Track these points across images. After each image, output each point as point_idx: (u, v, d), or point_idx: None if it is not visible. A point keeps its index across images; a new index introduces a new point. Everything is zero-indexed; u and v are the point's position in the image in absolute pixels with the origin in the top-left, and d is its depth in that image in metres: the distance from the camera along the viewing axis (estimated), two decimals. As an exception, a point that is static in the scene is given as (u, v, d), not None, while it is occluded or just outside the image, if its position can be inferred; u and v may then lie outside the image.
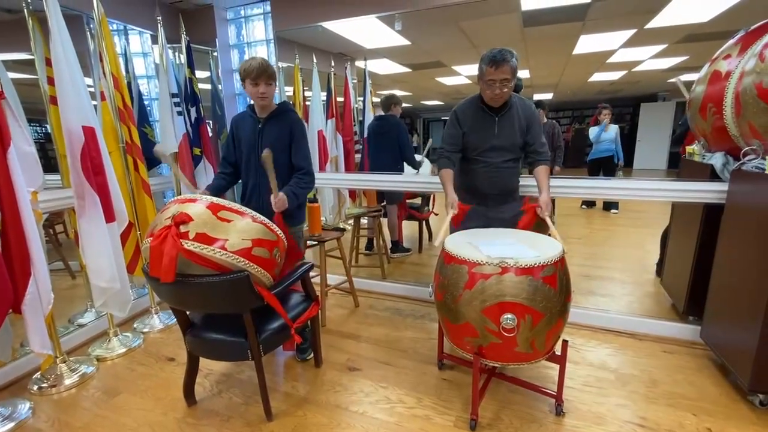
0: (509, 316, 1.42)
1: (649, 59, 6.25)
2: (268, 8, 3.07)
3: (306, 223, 2.23)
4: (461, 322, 1.54)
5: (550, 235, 1.76)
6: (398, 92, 8.99)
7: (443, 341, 1.95)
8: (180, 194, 2.53)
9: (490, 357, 1.54)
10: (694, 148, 2.40)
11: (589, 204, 5.91)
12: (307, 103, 4.12)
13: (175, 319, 1.78)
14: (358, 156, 4.50)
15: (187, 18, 2.95)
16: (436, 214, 3.99)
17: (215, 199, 1.49)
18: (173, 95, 2.63)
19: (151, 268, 1.42)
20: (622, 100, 12.22)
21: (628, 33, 4.50)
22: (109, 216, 2.05)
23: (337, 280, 2.76)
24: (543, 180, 1.87)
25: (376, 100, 5.87)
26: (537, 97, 11.16)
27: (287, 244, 1.69)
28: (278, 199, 1.77)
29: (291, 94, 3.98)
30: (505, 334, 1.44)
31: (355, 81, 4.82)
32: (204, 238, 1.41)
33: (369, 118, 4.35)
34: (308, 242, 2.42)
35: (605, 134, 5.19)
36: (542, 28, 4.05)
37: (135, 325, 2.54)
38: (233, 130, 2.01)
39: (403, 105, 4.41)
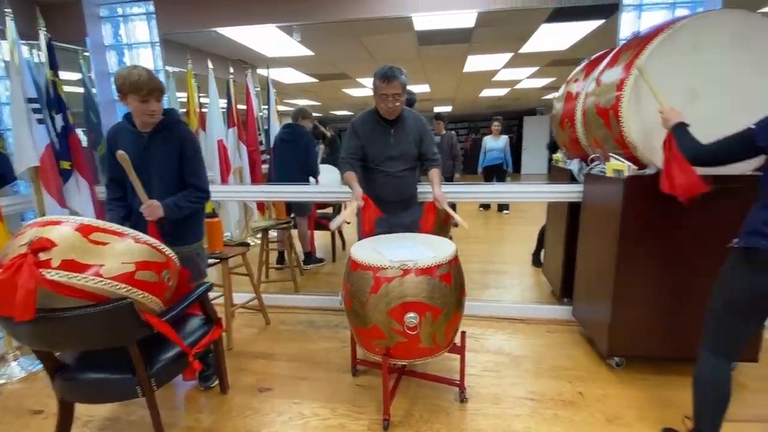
0: (412, 314, 1.51)
1: (526, 79, 7.23)
2: (151, 8, 2.81)
3: (205, 240, 2.08)
4: (369, 326, 1.59)
5: (454, 221, 1.92)
6: (306, 102, 8.94)
7: (356, 348, 1.98)
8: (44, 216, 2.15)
9: (398, 356, 1.61)
10: (558, 156, 2.84)
11: (485, 207, 6.55)
12: (204, 110, 3.86)
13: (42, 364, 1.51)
14: (265, 167, 4.34)
15: (48, 12, 2.55)
16: (348, 223, 4.03)
17: (86, 220, 1.31)
18: (31, 100, 2.24)
19: (2, 305, 1.19)
20: (510, 113, 13.86)
21: (507, 56, 5.14)
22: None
23: (245, 298, 2.61)
24: (435, 178, 2.04)
25: (282, 108, 5.74)
26: (437, 109, 12.01)
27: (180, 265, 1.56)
28: (147, 205, 1.58)
29: (184, 100, 3.70)
30: (409, 332, 1.52)
31: (258, 89, 4.67)
32: (73, 265, 1.23)
33: (275, 127, 4.24)
34: (209, 260, 2.25)
35: (494, 143, 5.80)
36: (435, 47, 4.41)
37: (-15, 378, 2.08)
38: (111, 144, 1.76)
39: (315, 115, 4.37)
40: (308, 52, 4.36)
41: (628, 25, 2.40)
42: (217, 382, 1.93)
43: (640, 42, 1.83)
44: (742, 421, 1.65)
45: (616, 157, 1.94)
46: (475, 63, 5.49)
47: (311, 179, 3.46)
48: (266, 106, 4.60)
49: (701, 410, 1.37)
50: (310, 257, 3.64)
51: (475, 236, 5.08)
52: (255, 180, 4.07)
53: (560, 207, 2.65)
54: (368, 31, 3.78)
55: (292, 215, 3.48)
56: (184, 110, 3.70)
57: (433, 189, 2.00)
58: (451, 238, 3.64)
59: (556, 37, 4.11)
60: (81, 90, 3.03)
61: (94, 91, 3.00)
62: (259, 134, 4.37)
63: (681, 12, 2.38)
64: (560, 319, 2.57)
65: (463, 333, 1.78)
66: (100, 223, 1.34)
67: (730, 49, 1.71)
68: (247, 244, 2.47)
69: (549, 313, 2.62)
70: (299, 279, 3.30)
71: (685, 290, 1.83)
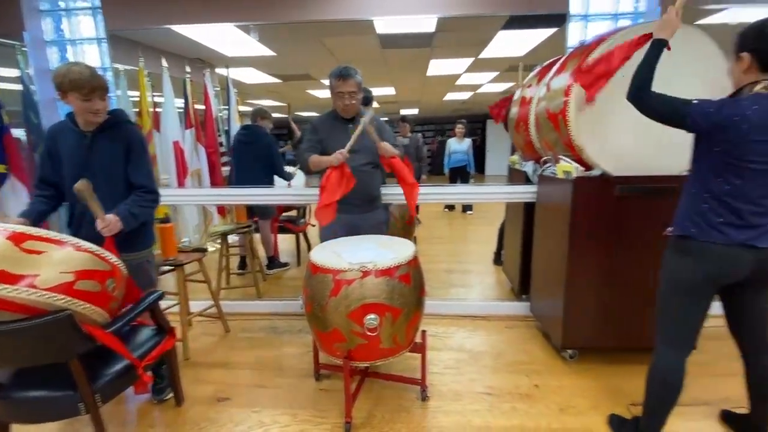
0: (372, 316, 1.52)
1: (488, 83, 7.47)
2: (98, 2, 2.66)
3: (157, 247, 1.99)
4: (330, 329, 1.58)
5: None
6: (272, 102, 8.76)
7: (319, 352, 1.96)
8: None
9: (359, 358, 1.61)
10: (515, 159, 2.95)
11: (450, 207, 6.68)
12: (158, 110, 3.69)
13: (-32, 384, 1.38)
14: (226, 169, 4.21)
15: (-23, 3, 2.36)
16: (313, 225, 3.99)
17: (18, 228, 1.22)
18: (-43, 97, 2.06)
19: None
20: (474, 116, 14.23)
21: (468, 60, 5.29)
22: None
23: (204, 306, 2.52)
24: (385, 144, 2.04)
25: (244, 109, 5.60)
26: (404, 111, 12.14)
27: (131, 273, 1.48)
28: (106, 222, 1.49)
29: (137, 99, 3.52)
30: (369, 333, 1.53)
31: (218, 89, 4.53)
32: (3, 277, 1.14)
33: (236, 128, 4.12)
34: (163, 268, 2.16)
35: (458, 146, 5.93)
36: (398, 51, 4.47)
37: None
38: (50, 144, 1.65)
39: (280, 115, 4.30)
40: (270, 53, 4.28)
41: (576, 34, 2.54)
42: (171, 394, 1.85)
43: (584, 50, 1.94)
44: (684, 405, 1.76)
45: (566, 159, 2.04)
46: (437, 67, 5.61)
47: (279, 181, 3.41)
48: (226, 107, 4.48)
49: (652, 400, 1.45)
50: (273, 262, 3.57)
51: (439, 237, 5.17)
52: (215, 183, 3.94)
53: (517, 207, 2.76)
54: (330, 33, 3.77)
55: (255, 219, 3.40)
56: (136, 110, 3.53)
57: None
58: (415, 239, 3.70)
59: (513, 43, 4.27)
60: (19, 87, 2.82)
61: (33, 88, 2.80)
62: (220, 135, 4.23)
63: (623, 23, 2.55)
64: (519, 315, 2.66)
65: (424, 332, 1.81)
66: (35, 231, 1.25)
67: (668, 56, 1.84)
68: (204, 250, 2.38)
69: (508, 309, 2.71)
70: (262, 284, 3.22)
71: (630, 283, 1.95)
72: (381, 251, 1.67)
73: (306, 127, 2.17)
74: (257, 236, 3.46)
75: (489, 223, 5.60)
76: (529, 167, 2.57)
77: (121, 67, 3.43)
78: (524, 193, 2.52)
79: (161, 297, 1.63)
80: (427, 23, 3.35)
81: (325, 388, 1.93)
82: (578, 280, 1.98)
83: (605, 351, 2.13)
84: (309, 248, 4.14)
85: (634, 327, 1.96)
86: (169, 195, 2.99)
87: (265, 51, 4.23)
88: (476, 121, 14.77)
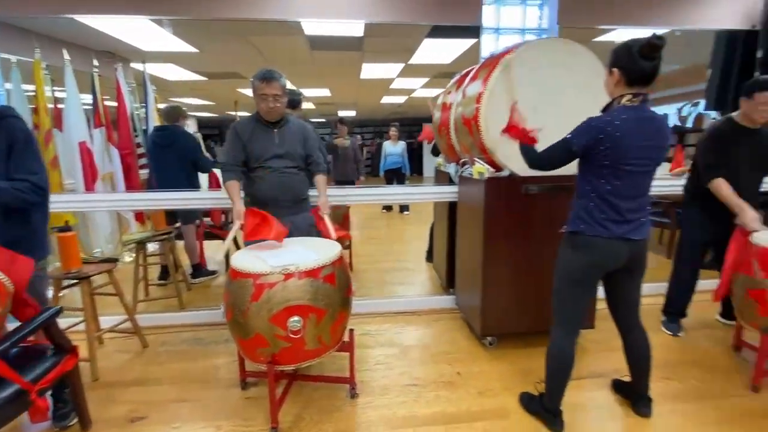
0: (295, 318, 1.52)
1: (420, 88, 7.76)
2: (-24, -17, 2.34)
3: (56, 258, 1.80)
4: (252, 335, 1.55)
5: (327, 229, 1.97)
6: (198, 101, 8.27)
7: (243, 360, 1.91)
8: None
9: (284, 362, 1.60)
10: (439, 161, 3.11)
11: (388, 208, 6.82)
12: (60, 106, 3.32)
13: None
14: (144, 171, 3.90)
15: None
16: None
17: None
18: None
19: None
20: (411, 119, 14.66)
21: (400, 66, 5.46)
22: None
23: (117, 321, 2.32)
24: (320, 186, 2.10)
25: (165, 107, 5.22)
26: (341, 113, 12.14)
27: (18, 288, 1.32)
28: None
29: (33, 94, 3.14)
30: (293, 336, 1.52)
31: (134, 85, 4.18)
32: None
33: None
34: (65, 281, 1.96)
35: (393, 148, 6.09)
36: (329, 53, 4.48)
37: None
38: None
39: (209, 114, 4.07)
40: (191, 49, 4.06)
41: (489, 46, 2.75)
42: (76, 419, 1.68)
43: (492, 62, 2.11)
44: (582, 378, 2.01)
45: (480, 161, 2.20)
46: (371, 71, 5.71)
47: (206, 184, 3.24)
48: (143, 104, 4.15)
49: (550, 377, 1.62)
50: (199, 270, 3.38)
51: (376, 237, 5.27)
52: (131, 187, 3.63)
53: (443, 206, 2.91)
54: (256, 32, 3.68)
55: (177, 225, 3.20)
56: (33, 106, 3.15)
57: (319, 198, 2.06)
58: (350, 241, 3.74)
59: (439, 51, 4.50)
60: None
61: None
62: (136, 135, 3.91)
63: (529, 37, 2.81)
64: (446, 308, 2.81)
65: (351, 331, 1.84)
66: None
67: (559, 70, 2.07)
68: (114, 260, 2.19)
69: (437, 303, 2.85)
70: (186, 295, 3.04)
71: (539, 273, 2.15)
72: (305, 253, 1.68)
73: (228, 131, 2.09)
74: (180, 244, 3.26)
75: (424, 222, 5.84)
76: (451, 169, 2.73)
77: (12, 57, 3.04)
78: (447, 193, 2.67)
79: (57, 313, 1.48)
80: (355, 27, 3.41)
81: (252, 396, 1.89)
82: (493, 272, 2.15)
83: (520, 336, 2.32)
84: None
85: (545, 312, 2.15)
86: (74, 201, 2.72)
87: (185, 47, 4.00)
88: (414, 124, 15.22)
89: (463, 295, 2.58)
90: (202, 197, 2.87)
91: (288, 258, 1.61)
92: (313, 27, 3.25)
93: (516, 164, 2.09)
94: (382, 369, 2.10)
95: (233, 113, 10.37)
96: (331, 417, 1.73)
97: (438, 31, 3.50)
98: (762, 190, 2.23)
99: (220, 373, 2.08)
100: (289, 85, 2.06)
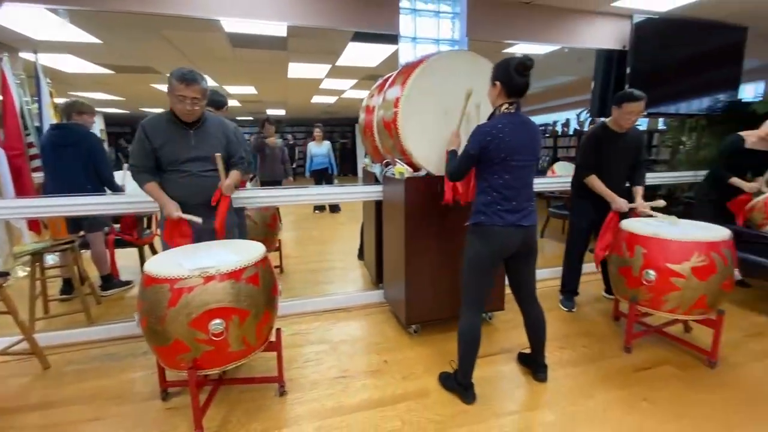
0: (217, 321, 1.51)
1: (350, 89, 7.85)
2: None
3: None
4: (170, 342, 1.51)
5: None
6: (106, 96, 7.48)
7: (164, 370, 1.83)
8: None
9: (208, 365, 1.58)
10: (366, 161, 3.22)
11: (320, 209, 6.81)
12: (-76, 102, 2.84)
13: None
14: (40, 175, 3.46)
15: None
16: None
17: None
18: None
19: None
20: (344, 119, 14.70)
21: (327, 67, 5.49)
22: None
23: (9, 342, 2.07)
24: (232, 175, 2.05)
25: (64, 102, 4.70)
26: (270, 112, 11.80)
27: None
28: None
29: None
30: (215, 339, 1.51)
31: (23, 77, 3.68)
32: None
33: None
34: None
35: (318, 149, 6.10)
36: (253, 51, 4.37)
37: None
38: None
39: (118, 111, 3.72)
40: (93, 40, 3.70)
41: (407, 53, 2.93)
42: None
43: (408, 69, 2.27)
44: (493, 354, 2.25)
45: (400, 162, 2.35)
46: (297, 70, 5.65)
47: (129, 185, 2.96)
48: (37, 99, 3.68)
49: (461, 354, 1.81)
50: (110, 281, 3.11)
51: (309, 238, 5.25)
52: (22, 192, 3.21)
53: (371, 205, 3.03)
54: (171, 26, 3.47)
55: (82, 233, 2.91)
56: None
57: (224, 180, 1.99)
58: (280, 242, 3.71)
59: (365, 54, 4.62)
60: None
61: None
62: (27, 134, 3.45)
63: (444, 47, 3.04)
64: (375, 302, 2.94)
65: (278, 330, 1.87)
66: None
67: (465, 79, 2.28)
68: (4, 274, 1.96)
69: (367, 298, 2.96)
70: (95, 308, 2.79)
71: (454, 263, 2.35)
72: (225, 255, 1.67)
73: (137, 130, 1.96)
74: (87, 254, 2.98)
75: (355, 221, 5.94)
76: (377, 169, 2.85)
77: None
78: (374, 192, 2.80)
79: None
80: (278, 27, 3.38)
81: (174, 406, 1.82)
82: (415, 265, 2.31)
83: (442, 322, 2.51)
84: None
85: (458, 299, 2.37)
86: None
87: (87, 38, 3.63)
88: (346, 124, 15.28)
89: (390, 288, 2.72)
90: (107, 202, 2.64)
91: (207, 261, 1.59)
92: (233, 25, 3.15)
93: (432, 165, 2.27)
94: (312, 365, 2.15)
95: (148, 109, 9.57)
96: (259, 416, 1.75)
97: (361, 36, 3.60)
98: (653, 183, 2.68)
99: (138, 387, 1.97)
100: (211, 83, 2.00)
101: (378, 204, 2.84)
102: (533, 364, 2.02)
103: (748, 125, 2.98)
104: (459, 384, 1.83)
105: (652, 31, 3.35)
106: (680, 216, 2.37)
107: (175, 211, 1.88)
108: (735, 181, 2.83)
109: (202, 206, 1.98)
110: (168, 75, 1.85)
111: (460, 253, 1.86)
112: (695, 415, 1.73)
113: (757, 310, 2.77)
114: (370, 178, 3.06)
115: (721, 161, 2.91)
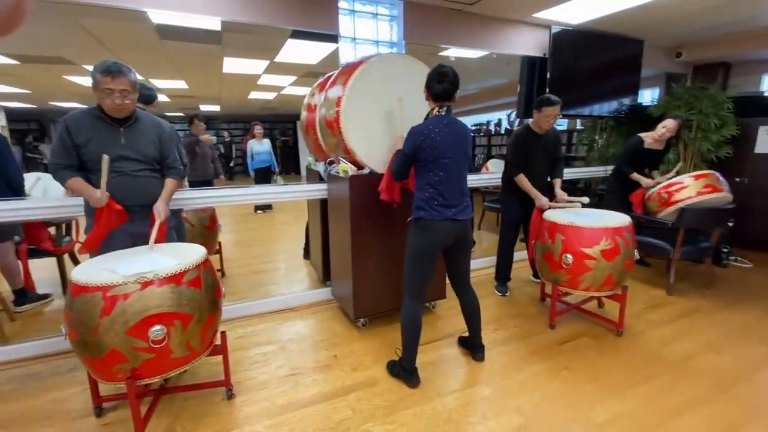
0: (157, 327, 1.46)
1: (290, 86, 7.68)
2: None
3: None
4: (105, 352, 1.43)
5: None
6: (8, 89, 6.59)
7: (96, 384, 1.72)
8: None
9: (148, 374, 1.52)
10: (310, 159, 3.23)
11: (263, 208, 6.63)
12: None
13: None
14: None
15: None
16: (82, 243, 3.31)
17: None
18: None
19: None
20: (285, 116, 14.30)
21: (265, 63, 5.34)
22: None
23: None
24: (165, 189, 1.97)
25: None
26: (203, 108, 11.17)
27: None
28: None
29: None
30: (155, 346, 1.46)
31: None
32: None
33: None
34: None
35: (260, 147, 5.94)
36: (183, 44, 4.13)
37: None
38: None
39: (25, 106, 3.30)
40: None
41: (347, 53, 2.98)
42: None
43: (349, 69, 2.32)
44: (437, 340, 2.39)
45: (344, 160, 2.40)
46: (234, 65, 5.43)
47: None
48: None
49: (405, 341, 1.92)
50: (25, 295, 2.80)
51: (251, 239, 5.11)
52: None
53: (316, 204, 3.04)
54: (88, 14, 3.18)
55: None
56: None
57: (159, 200, 1.91)
58: (220, 244, 3.57)
59: (305, 52, 4.58)
60: None
61: None
62: None
63: (383, 48, 3.13)
64: (324, 299, 2.97)
65: (223, 333, 1.84)
66: None
67: (405, 80, 2.39)
68: None
69: (315, 296, 2.98)
70: (9, 326, 2.51)
71: (398, 257, 2.46)
72: (163, 259, 1.61)
73: (57, 126, 1.81)
74: (-6, 265, 2.66)
75: (301, 220, 5.87)
76: (321, 167, 2.87)
77: None
78: (318, 190, 2.81)
79: None
80: (211, 21, 3.25)
81: (111, 422, 1.72)
82: (361, 261, 2.38)
83: (388, 313, 2.61)
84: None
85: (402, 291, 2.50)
86: None
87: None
88: (288, 121, 14.88)
89: (337, 285, 2.77)
90: (17, 208, 2.37)
91: (143, 266, 1.53)
92: (161, 16, 2.97)
93: (375, 163, 2.36)
94: (260, 366, 2.14)
95: (59, 104, 8.56)
96: (206, 421, 1.72)
97: (300, 34, 3.57)
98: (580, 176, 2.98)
99: (68, 406, 1.83)
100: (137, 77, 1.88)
101: (323, 202, 2.87)
102: (472, 346, 2.19)
103: (646, 126, 3.45)
104: (404, 370, 1.94)
105: (567, 42, 3.73)
106: (595, 206, 2.71)
107: (100, 194, 1.73)
108: (635, 176, 3.27)
109: (137, 208, 1.87)
110: (83, 64, 1.73)
111: (404, 248, 1.97)
112: (606, 377, 2.01)
113: (654, 285, 3.23)
114: (314, 177, 3.07)
115: (624, 159, 3.34)
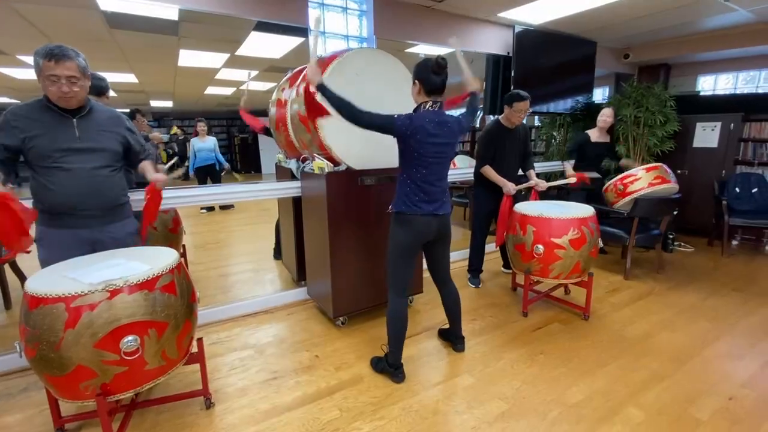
0: (130, 338, 1.36)
1: (250, 81, 7.41)
2: None
3: None
4: (70, 369, 1.31)
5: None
6: None
7: (57, 404, 1.57)
8: None
9: (120, 389, 1.41)
10: (280, 156, 3.13)
11: (209, 208, 6.35)
12: None
13: None
14: None
15: None
16: (28, 252, 3.00)
17: None
18: None
19: None
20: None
21: (225, 56, 5.10)
22: None
23: None
24: (149, 165, 1.90)
25: None
26: (154, 104, 10.53)
27: None
28: None
29: None
30: (128, 358, 1.36)
31: None
32: None
33: None
34: None
35: (202, 144, 5.71)
36: (135, 34, 3.84)
37: None
38: None
39: None
40: None
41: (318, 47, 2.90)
42: None
43: (322, 63, 2.27)
44: (417, 334, 2.41)
45: (319, 157, 2.35)
46: (190, 58, 5.14)
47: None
48: None
49: (392, 337, 1.92)
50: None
51: (212, 241, 4.89)
52: None
53: (288, 202, 2.96)
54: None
55: None
56: None
57: (150, 172, 1.86)
58: (184, 246, 3.38)
59: (269, 45, 4.42)
60: None
61: None
62: None
63: (353, 43, 3.09)
64: (299, 300, 2.90)
65: (200, 339, 1.74)
66: None
67: (380, 75, 2.38)
68: None
69: (289, 297, 2.90)
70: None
71: (378, 251, 2.46)
72: (132, 265, 1.50)
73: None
74: None
75: (266, 220, 5.69)
76: (293, 164, 2.79)
77: None
78: (291, 188, 2.74)
79: None
80: (167, 11, 3.05)
81: (77, 443, 1.59)
82: (339, 257, 2.35)
83: (368, 310, 2.60)
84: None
85: (385, 286, 2.48)
86: None
87: None
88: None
89: (314, 284, 2.71)
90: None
91: (110, 273, 1.41)
92: (111, 2, 2.75)
93: (351, 159, 2.33)
94: (238, 372, 2.05)
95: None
96: (186, 434, 1.62)
97: (265, 26, 3.45)
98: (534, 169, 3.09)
99: (24, 430, 1.65)
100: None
101: (296, 200, 2.80)
102: (452, 338, 2.23)
103: (601, 122, 3.68)
104: (390, 365, 1.94)
105: (529, 41, 3.88)
106: (558, 199, 2.85)
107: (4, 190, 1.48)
108: (566, 165, 3.50)
109: (98, 209, 1.71)
110: (17, 55, 1.54)
111: (384, 243, 1.96)
112: (578, 359, 2.13)
113: (613, 271, 3.46)
114: (285, 174, 2.98)
115: (571, 155, 3.55)
